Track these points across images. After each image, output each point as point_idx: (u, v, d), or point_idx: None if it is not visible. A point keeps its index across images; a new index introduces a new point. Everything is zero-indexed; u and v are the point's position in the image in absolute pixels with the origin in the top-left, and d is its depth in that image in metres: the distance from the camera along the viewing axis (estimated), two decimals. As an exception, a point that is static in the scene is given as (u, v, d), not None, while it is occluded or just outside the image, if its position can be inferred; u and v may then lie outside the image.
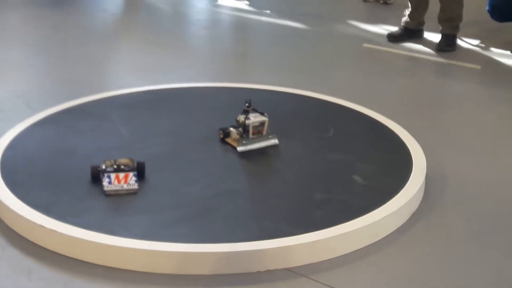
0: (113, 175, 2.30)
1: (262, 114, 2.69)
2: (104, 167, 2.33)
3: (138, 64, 3.95)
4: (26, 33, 4.61)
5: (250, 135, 2.65)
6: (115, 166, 2.33)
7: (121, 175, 2.31)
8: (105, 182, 2.29)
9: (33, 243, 2.13)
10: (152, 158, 2.57)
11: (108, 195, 2.27)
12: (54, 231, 2.08)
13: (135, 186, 2.31)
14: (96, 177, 2.36)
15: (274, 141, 2.67)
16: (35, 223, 2.12)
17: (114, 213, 2.23)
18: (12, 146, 2.63)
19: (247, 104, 2.69)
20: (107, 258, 2.04)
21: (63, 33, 4.55)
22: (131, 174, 2.32)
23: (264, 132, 2.68)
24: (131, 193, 2.30)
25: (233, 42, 4.78)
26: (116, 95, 3.20)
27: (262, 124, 2.67)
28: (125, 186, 2.29)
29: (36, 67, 3.92)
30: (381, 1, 5.48)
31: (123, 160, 2.37)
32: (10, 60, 3.99)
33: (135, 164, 2.37)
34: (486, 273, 2.06)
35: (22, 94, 3.38)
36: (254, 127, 2.65)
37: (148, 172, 2.44)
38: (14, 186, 2.32)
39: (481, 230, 2.30)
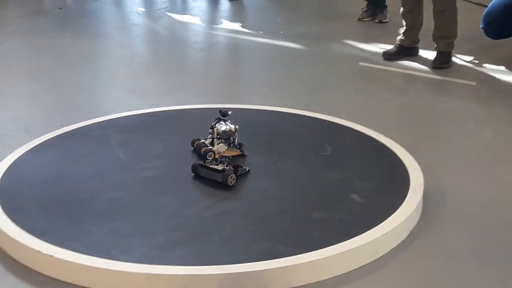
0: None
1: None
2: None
3: (136, 87, 3.96)
4: (25, 60, 4.63)
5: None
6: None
7: None
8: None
9: (32, 269, 2.12)
10: (149, 181, 2.57)
11: None
12: (52, 256, 2.07)
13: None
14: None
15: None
16: (32, 249, 2.11)
17: (112, 236, 2.22)
18: (10, 172, 2.63)
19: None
20: (107, 283, 2.03)
21: (60, 59, 4.57)
22: None
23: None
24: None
25: (230, 63, 4.80)
26: (113, 119, 3.21)
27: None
28: None
29: (35, 92, 3.93)
30: (376, 20, 5.51)
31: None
32: (9, 86, 3.99)
33: None
34: (486, 289, 2.06)
35: (20, 119, 3.39)
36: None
37: (145, 194, 2.45)
38: (12, 212, 2.32)
39: (479, 247, 2.29)
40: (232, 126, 2.72)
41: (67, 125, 3.10)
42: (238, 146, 2.74)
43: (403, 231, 2.31)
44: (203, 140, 2.76)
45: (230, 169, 2.53)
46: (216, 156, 2.65)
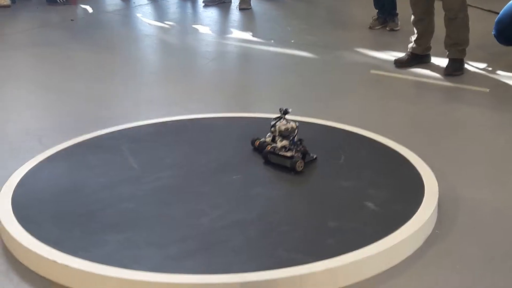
0: None
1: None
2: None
3: (148, 98, 3.98)
4: (35, 71, 4.65)
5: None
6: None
7: None
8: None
9: (45, 278, 2.13)
10: (161, 191, 2.57)
11: None
12: (67, 266, 2.07)
13: None
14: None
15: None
16: (47, 259, 2.12)
17: (125, 247, 2.22)
18: (23, 183, 2.64)
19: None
20: (120, 292, 2.02)
21: (70, 70, 4.59)
22: None
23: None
24: None
25: (241, 73, 4.81)
26: (125, 129, 3.22)
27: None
28: None
29: (46, 104, 3.95)
30: (387, 28, 5.51)
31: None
32: (20, 99, 4.02)
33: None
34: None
35: (33, 131, 3.40)
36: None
37: (157, 204, 2.45)
38: (26, 222, 2.32)
39: (494, 256, 2.27)
40: (293, 124, 2.78)
41: (78, 136, 3.10)
42: (299, 142, 2.77)
43: (419, 238, 2.30)
44: (263, 139, 2.84)
45: (298, 156, 2.67)
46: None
